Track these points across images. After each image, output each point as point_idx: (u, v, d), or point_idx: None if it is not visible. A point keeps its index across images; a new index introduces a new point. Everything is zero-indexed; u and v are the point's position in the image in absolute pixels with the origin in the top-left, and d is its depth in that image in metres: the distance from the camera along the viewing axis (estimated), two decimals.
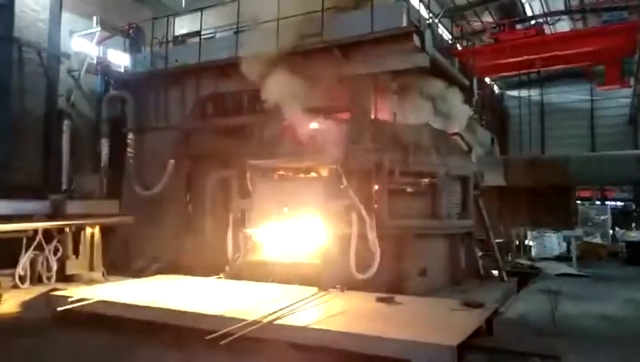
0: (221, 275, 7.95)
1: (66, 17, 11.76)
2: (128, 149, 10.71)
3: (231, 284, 7.47)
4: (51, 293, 6.90)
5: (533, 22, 22.04)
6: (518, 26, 21.30)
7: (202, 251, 8.90)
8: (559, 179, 14.72)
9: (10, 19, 10.24)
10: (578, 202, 17.65)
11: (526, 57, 18.97)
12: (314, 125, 8.24)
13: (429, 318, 5.45)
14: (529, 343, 5.12)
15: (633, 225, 16.84)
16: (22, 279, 7.52)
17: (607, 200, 22.02)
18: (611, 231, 14.15)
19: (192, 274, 8.05)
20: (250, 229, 8.05)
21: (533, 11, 23.49)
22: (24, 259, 7.60)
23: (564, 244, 12.48)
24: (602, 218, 13.97)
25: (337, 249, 7.14)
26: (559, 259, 11.71)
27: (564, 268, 10.23)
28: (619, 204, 22.08)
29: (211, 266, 8.22)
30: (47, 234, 7.92)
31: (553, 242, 12.50)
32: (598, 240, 12.57)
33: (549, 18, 22.33)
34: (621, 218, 17.76)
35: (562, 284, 8.45)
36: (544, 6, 22.97)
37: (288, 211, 7.67)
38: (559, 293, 7.61)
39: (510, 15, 22.52)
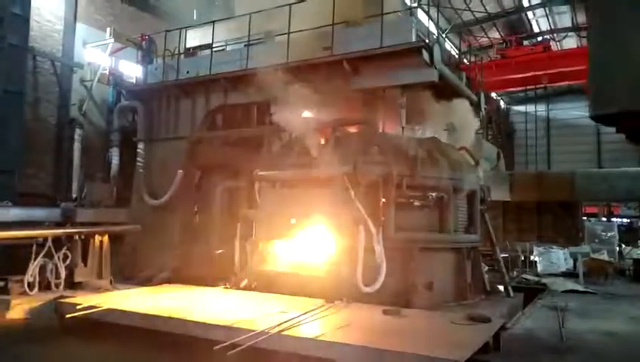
0: (228, 285, 8.00)
1: (80, 28, 11.99)
2: (138, 159, 10.83)
3: (237, 294, 7.50)
4: (60, 300, 6.96)
5: (540, 38, 22.23)
6: (525, 42, 21.48)
7: (209, 261, 8.94)
8: (565, 194, 14.73)
9: (25, 30, 10.43)
10: (584, 218, 17.62)
11: (532, 73, 19.13)
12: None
13: (435, 332, 5.46)
14: (537, 359, 5.12)
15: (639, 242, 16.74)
16: (31, 285, 7.56)
17: (614, 216, 21.94)
18: (618, 248, 14.07)
19: (199, 284, 8.10)
20: (258, 240, 8.11)
21: (540, 28, 23.67)
22: (33, 266, 7.64)
23: (571, 260, 12.42)
24: (609, 234, 13.89)
25: (344, 261, 7.16)
26: (565, 275, 11.65)
27: (570, 284, 10.17)
28: (625, 220, 21.99)
29: (218, 276, 8.27)
30: (57, 242, 7.98)
31: (559, 258, 12.43)
32: (604, 256, 12.48)
33: (555, 35, 22.49)
34: (627, 235, 17.68)
35: (569, 301, 8.41)
36: (551, 23, 23.15)
37: (296, 222, 7.73)
38: (566, 310, 7.58)
39: (517, 31, 22.72)
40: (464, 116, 9.33)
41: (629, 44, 2.48)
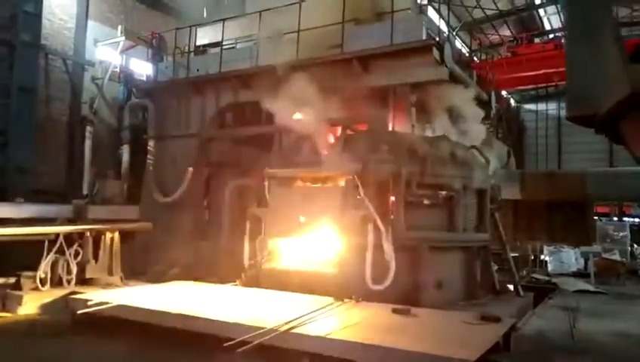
0: (237, 282, 8.03)
1: (92, 26, 12.08)
2: (148, 156, 10.90)
3: (247, 292, 7.52)
4: (71, 296, 7.02)
5: (551, 35, 22.00)
6: (537, 40, 21.27)
7: (219, 258, 8.98)
8: (577, 194, 14.55)
9: (37, 28, 10.55)
10: (596, 218, 17.43)
11: (544, 71, 18.94)
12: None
13: (445, 331, 5.43)
14: (547, 360, 5.08)
15: None
16: (42, 281, 7.64)
17: (625, 216, 21.70)
18: (629, 248, 13.93)
19: (209, 281, 8.14)
20: (267, 237, 8.12)
21: (551, 25, 23.44)
22: (45, 262, 7.71)
23: (582, 260, 12.32)
24: (621, 234, 13.78)
25: (353, 259, 7.15)
26: (576, 275, 11.56)
27: (581, 284, 10.09)
28: (637, 220, 21.74)
29: (228, 273, 8.30)
30: (69, 238, 8.05)
31: (570, 258, 12.35)
32: (616, 257, 12.38)
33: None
34: (639, 235, 17.48)
35: (580, 301, 8.34)
36: (563, 20, 22.90)
37: (305, 220, 7.73)
38: (577, 310, 7.52)
39: (528, 29, 22.52)
40: (473, 114, 9.30)
41: (603, 47, 2.49)
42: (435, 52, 8.08)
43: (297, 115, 8.51)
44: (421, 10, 10.50)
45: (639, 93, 2.04)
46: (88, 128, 11.33)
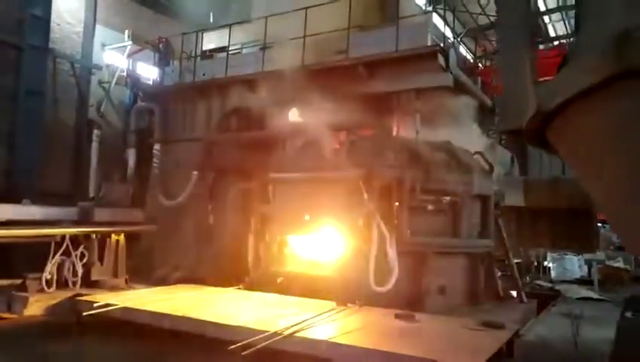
0: (241, 286, 8.06)
1: (99, 30, 12.18)
2: (154, 160, 10.97)
3: (250, 295, 7.56)
4: (77, 298, 7.07)
5: (555, 42, 22.00)
6: (541, 47, 21.26)
7: (223, 261, 9.02)
8: (580, 201, 14.51)
9: (45, 32, 10.64)
10: (599, 225, 17.34)
11: (548, 77, 18.91)
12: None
13: (448, 338, 5.45)
14: None
15: None
16: (48, 283, 7.70)
17: None
18: (633, 256, 13.86)
19: (213, 284, 8.18)
20: (271, 239, 8.17)
21: (556, 32, 23.44)
22: (51, 264, 7.78)
23: (585, 267, 12.29)
24: None
25: (356, 264, 7.18)
26: (580, 282, 11.53)
27: (584, 291, 10.08)
28: None
29: (232, 276, 8.34)
30: (74, 240, 8.12)
31: (574, 264, 12.33)
32: (620, 264, 12.34)
33: (572, 39, 22.22)
34: None
35: (583, 308, 8.33)
36: (567, 27, 22.93)
37: (309, 220, 7.76)
38: (580, 317, 7.51)
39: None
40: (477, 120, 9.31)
41: (523, 65, 2.59)
42: (440, 58, 8.11)
43: (302, 120, 8.56)
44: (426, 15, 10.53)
45: (543, 112, 2.16)
46: (95, 131, 11.42)
